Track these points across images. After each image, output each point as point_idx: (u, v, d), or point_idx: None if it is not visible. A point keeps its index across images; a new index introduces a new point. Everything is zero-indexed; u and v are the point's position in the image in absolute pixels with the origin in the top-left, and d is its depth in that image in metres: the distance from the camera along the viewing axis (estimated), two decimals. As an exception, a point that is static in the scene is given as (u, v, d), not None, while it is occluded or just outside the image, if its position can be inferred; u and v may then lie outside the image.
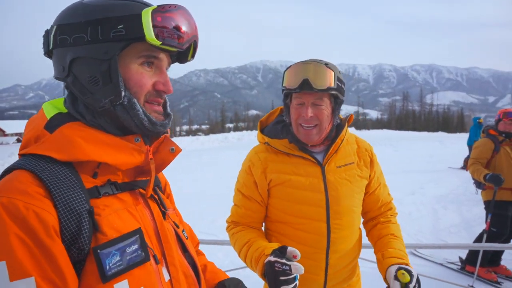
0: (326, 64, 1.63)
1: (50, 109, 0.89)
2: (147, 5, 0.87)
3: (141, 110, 0.88)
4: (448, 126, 77.48)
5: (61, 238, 0.75)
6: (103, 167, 0.87)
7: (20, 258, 0.68)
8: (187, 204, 8.19)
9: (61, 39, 0.85)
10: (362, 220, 1.94)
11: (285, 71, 1.70)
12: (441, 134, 36.16)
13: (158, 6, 0.86)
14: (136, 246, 0.83)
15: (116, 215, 0.84)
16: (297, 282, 1.28)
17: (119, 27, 0.82)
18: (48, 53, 0.90)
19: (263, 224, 1.88)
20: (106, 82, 0.84)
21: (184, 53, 0.99)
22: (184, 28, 0.88)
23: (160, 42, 0.84)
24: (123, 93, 0.86)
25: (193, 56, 0.99)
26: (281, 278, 1.27)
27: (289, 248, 1.33)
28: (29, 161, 0.80)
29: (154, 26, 0.83)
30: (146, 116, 0.89)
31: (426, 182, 10.28)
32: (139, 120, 0.88)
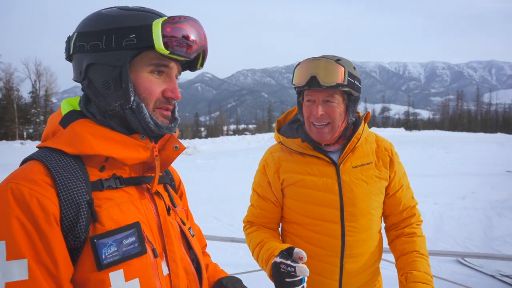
0: (338, 60, 1.57)
1: (65, 107, 0.97)
2: (160, 16, 0.93)
3: (147, 114, 0.94)
4: (509, 127, 72.57)
5: (61, 226, 0.80)
6: (110, 162, 0.92)
7: (18, 240, 0.74)
8: (230, 202, 8.27)
9: (80, 46, 0.92)
10: (383, 225, 1.84)
11: (295, 68, 1.64)
12: (500, 136, 33.97)
13: (169, 17, 0.91)
14: (133, 239, 0.87)
15: (118, 208, 0.89)
16: (304, 284, 1.24)
17: (131, 36, 0.89)
18: (69, 57, 0.98)
19: (280, 225, 1.85)
20: (117, 87, 0.91)
21: (194, 62, 1.03)
22: (192, 38, 0.94)
23: (169, 52, 0.90)
24: (132, 98, 0.92)
25: (201, 65, 1.03)
26: (287, 279, 1.23)
27: (296, 250, 1.29)
28: (43, 153, 0.88)
29: (163, 36, 0.89)
30: (152, 120, 0.95)
31: (480, 186, 9.69)
32: (145, 123, 0.94)
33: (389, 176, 1.71)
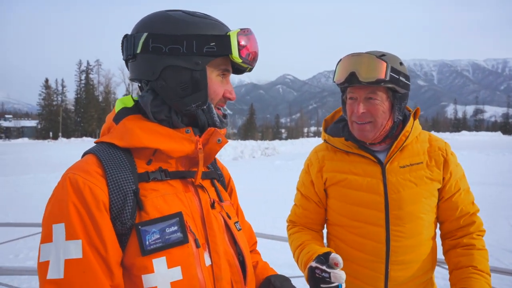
0: (382, 56, 1.48)
1: (118, 105, 1.05)
2: (225, 25, 1.04)
3: (216, 114, 1.04)
4: None
5: (110, 212, 0.88)
6: (157, 156, 0.99)
7: (74, 223, 0.84)
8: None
9: (155, 47, 0.97)
10: (439, 232, 1.66)
11: (337, 64, 1.57)
12: None
13: (241, 29, 1.01)
14: (175, 228, 0.92)
15: (162, 199, 0.95)
16: None
17: (211, 44, 0.97)
18: (132, 56, 1.03)
19: (325, 227, 1.78)
20: (195, 89, 0.99)
21: (243, 68, 1.11)
22: (255, 49, 1.05)
23: (241, 60, 1.01)
24: (208, 100, 1.01)
25: (250, 71, 1.12)
26: (322, 286, 1.20)
27: (332, 255, 1.23)
28: (98, 147, 0.98)
29: (238, 46, 0.99)
30: (218, 118, 1.05)
31: None
32: (213, 120, 1.04)
33: (444, 178, 1.58)
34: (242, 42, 1.00)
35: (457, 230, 1.59)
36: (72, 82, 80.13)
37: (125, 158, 0.95)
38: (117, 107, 1.04)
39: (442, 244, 1.65)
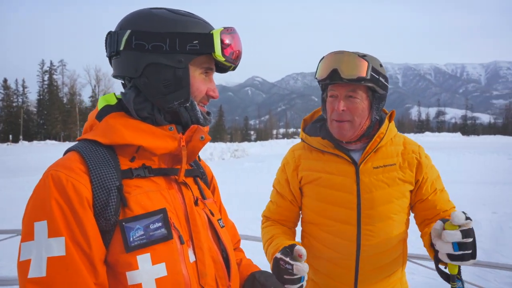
0: (363, 56, 1.53)
1: (101, 102, 1.05)
2: (209, 23, 1.04)
3: (199, 111, 1.05)
4: None
5: (93, 209, 0.88)
6: (140, 153, 0.99)
7: (57, 220, 0.83)
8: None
9: (138, 44, 0.97)
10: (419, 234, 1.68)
11: (319, 62, 1.61)
12: None
13: (224, 28, 1.02)
14: (159, 224, 0.92)
15: (146, 195, 0.95)
16: (303, 283, 1.23)
17: (194, 42, 0.98)
18: (115, 53, 1.03)
19: (299, 226, 1.81)
20: (178, 87, 1.00)
21: (226, 67, 1.12)
22: (238, 48, 1.06)
23: (224, 59, 1.01)
24: (190, 97, 1.02)
25: (234, 69, 1.13)
26: (285, 276, 1.22)
27: (296, 247, 1.26)
28: (81, 144, 0.98)
29: (221, 45, 1.01)
30: (202, 115, 1.06)
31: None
32: (196, 118, 1.05)
33: (418, 180, 1.62)
34: (226, 41, 1.01)
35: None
36: (34, 83, 77.07)
37: (109, 155, 0.95)
38: (100, 104, 1.04)
39: (423, 239, 1.62)
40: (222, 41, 1.00)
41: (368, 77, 1.50)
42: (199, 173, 1.19)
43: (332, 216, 1.61)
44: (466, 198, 8.79)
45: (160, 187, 1.00)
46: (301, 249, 1.24)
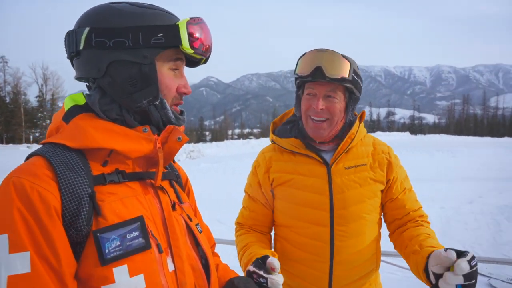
0: (343, 56, 1.51)
1: (68, 102, 0.97)
2: (174, 15, 0.98)
3: (170, 110, 0.99)
4: (515, 131, 72.06)
5: (62, 219, 0.80)
6: (113, 156, 0.92)
7: (20, 233, 0.74)
8: (236, 205, 8.20)
9: (98, 42, 0.90)
10: (388, 233, 1.71)
11: (299, 58, 1.57)
12: (507, 140, 33.69)
13: (190, 18, 0.96)
14: (136, 233, 0.86)
15: (121, 202, 0.88)
16: None
17: (159, 35, 0.91)
18: (76, 53, 0.95)
19: (273, 229, 1.77)
20: (145, 85, 0.93)
21: (196, 60, 1.06)
22: (208, 39, 1.00)
23: (193, 51, 0.95)
24: (160, 95, 0.96)
25: (205, 62, 1.07)
26: None
27: (269, 259, 1.22)
28: (46, 149, 0.89)
29: (188, 36, 0.94)
30: (174, 114, 1.00)
31: (488, 191, 9.58)
32: (167, 117, 0.98)
33: (389, 179, 1.63)
34: (193, 32, 0.95)
35: (406, 222, 1.62)
36: (-29, 81, 71.53)
37: (78, 160, 0.87)
38: (67, 105, 0.96)
39: (392, 239, 1.67)
40: (189, 33, 0.94)
41: (350, 78, 1.49)
42: (174, 176, 1.13)
43: (305, 218, 1.58)
44: (418, 194, 9.21)
45: (136, 193, 0.93)
46: (274, 262, 1.21)
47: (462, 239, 6.04)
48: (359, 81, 1.55)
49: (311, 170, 1.59)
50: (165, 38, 0.92)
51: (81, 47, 0.92)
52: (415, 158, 18.01)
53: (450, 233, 6.40)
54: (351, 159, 1.61)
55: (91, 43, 0.91)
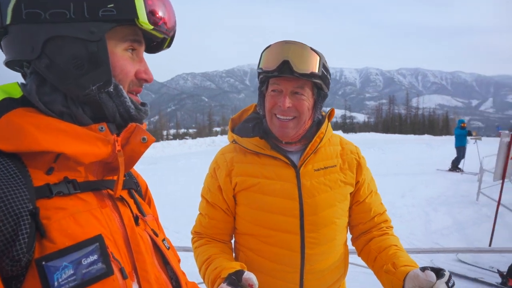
0: (312, 48, 1.39)
1: None
2: None
3: (128, 98, 0.80)
4: (434, 129, 78.60)
5: None
6: (60, 162, 0.73)
7: None
8: (175, 208, 7.97)
9: (30, 13, 0.71)
10: (350, 236, 1.67)
11: (263, 51, 1.43)
12: (427, 137, 36.51)
13: None
14: (95, 257, 0.69)
15: (73, 219, 0.70)
16: None
17: (109, 6, 0.73)
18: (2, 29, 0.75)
19: (233, 237, 1.64)
20: (93, 67, 0.74)
21: (158, 43, 0.90)
22: (171, 16, 0.82)
23: (152, 27, 0.77)
24: (112, 79, 0.77)
25: (169, 46, 0.91)
26: None
27: (245, 275, 1.10)
28: None
29: (146, 9, 0.76)
30: (133, 104, 0.81)
31: (416, 185, 10.24)
32: (125, 108, 0.80)
33: (358, 181, 1.55)
34: (152, 5, 0.77)
35: (371, 228, 1.57)
36: None
37: (14, 167, 0.67)
38: None
39: (355, 245, 1.63)
40: (146, 3, 0.75)
41: (320, 73, 1.38)
42: (133, 184, 0.94)
43: (273, 225, 1.45)
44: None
45: (91, 206, 0.75)
46: (251, 278, 1.09)
47: (399, 230, 6.33)
48: (328, 76, 1.45)
49: (278, 173, 1.46)
50: (116, 10, 0.73)
51: (7, 22, 0.72)
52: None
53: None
54: (320, 160, 1.50)
55: (20, 15, 0.71)
